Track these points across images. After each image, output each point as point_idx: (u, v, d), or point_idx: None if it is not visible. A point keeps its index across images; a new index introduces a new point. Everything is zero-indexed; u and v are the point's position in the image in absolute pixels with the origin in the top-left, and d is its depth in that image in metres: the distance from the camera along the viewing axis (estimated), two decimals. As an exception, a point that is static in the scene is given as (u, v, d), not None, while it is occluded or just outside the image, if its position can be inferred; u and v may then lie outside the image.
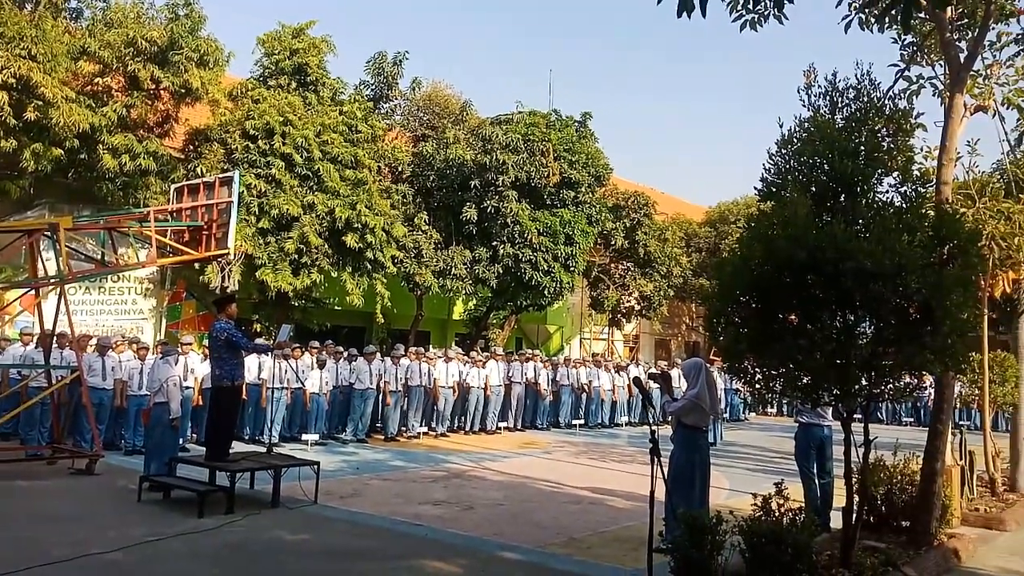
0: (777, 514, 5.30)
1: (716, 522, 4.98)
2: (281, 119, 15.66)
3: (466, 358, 16.72)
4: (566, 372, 18.79)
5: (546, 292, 18.95)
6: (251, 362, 12.85)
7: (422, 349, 16.18)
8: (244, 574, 6.12)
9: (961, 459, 9.58)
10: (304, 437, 13.23)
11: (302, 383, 13.54)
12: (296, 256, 15.26)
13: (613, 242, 23.11)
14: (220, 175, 12.87)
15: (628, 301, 24.91)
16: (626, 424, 19.92)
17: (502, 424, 17.03)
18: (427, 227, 18.18)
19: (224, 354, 8.75)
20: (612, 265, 24.71)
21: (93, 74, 14.39)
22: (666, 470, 6.45)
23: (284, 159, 15.46)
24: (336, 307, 18.62)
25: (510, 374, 17.37)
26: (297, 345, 14.29)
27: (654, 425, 5.06)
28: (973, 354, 9.65)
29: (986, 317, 9.93)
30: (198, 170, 14.85)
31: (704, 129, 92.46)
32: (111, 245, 12.05)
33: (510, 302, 20.00)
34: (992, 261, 9.48)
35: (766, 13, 8.63)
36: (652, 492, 4.99)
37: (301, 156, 15.60)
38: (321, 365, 14.07)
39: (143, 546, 6.51)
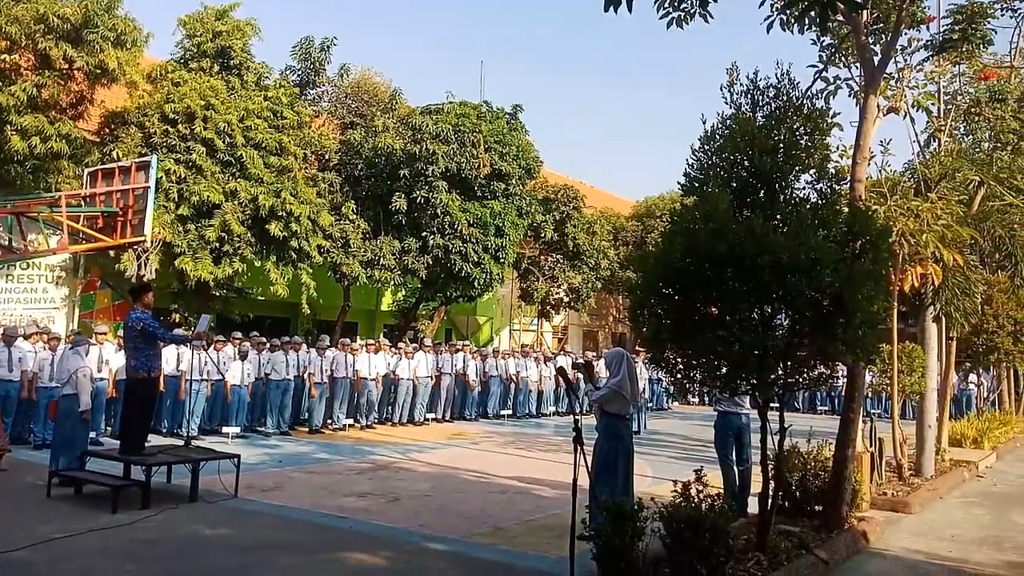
0: (696, 500, 5.43)
1: (637, 509, 5.07)
2: (203, 103, 15.18)
3: (394, 349, 16.58)
4: (495, 363, 18.83)
5: (476, 283, 18.96)
6: (170, 353, 12.46)
7: (348, 340, 15.96)
8: (160, 570, 5.93)
9: (871, 446, 10.02)
10: (225, 430, 12.90)
11: (222, 374, 13.19)
12: (217, 244, 14.85)
13: (543, 234, 23.28)
14: (137, 159, 12.43)
15: (557, 293, 25.14)
16: (553, 414, 20.13)
17: (430, 415, 16.96)
18: (355, 216, 17.93)
19: (140, 344, 8.45)
20: (542, 257, 24.88)
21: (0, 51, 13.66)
22: (590, 459, 6.55)
23: (205, 144, 15.01)
24: (259, 297, 18.22)
25: (439, 365, 17.30)
26: (220, 337, 13.92)
27: (577, 414, 5.10)
28: (883, 345, 10.09)
29: (895, 310, 10.40)
30: (114, 154, 14.29)
31: (633, 124, 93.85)
32: (19, 231, 11.46)
33: (440, 293, 19.92)
34: (902, 257, 9.92)
35: (692, 11, 8.81)
36: (575, 480, 5.05)
37: (223, 141, 15.17)
38: (243, 356, 13.74)
39: (53, 543, 6.24)
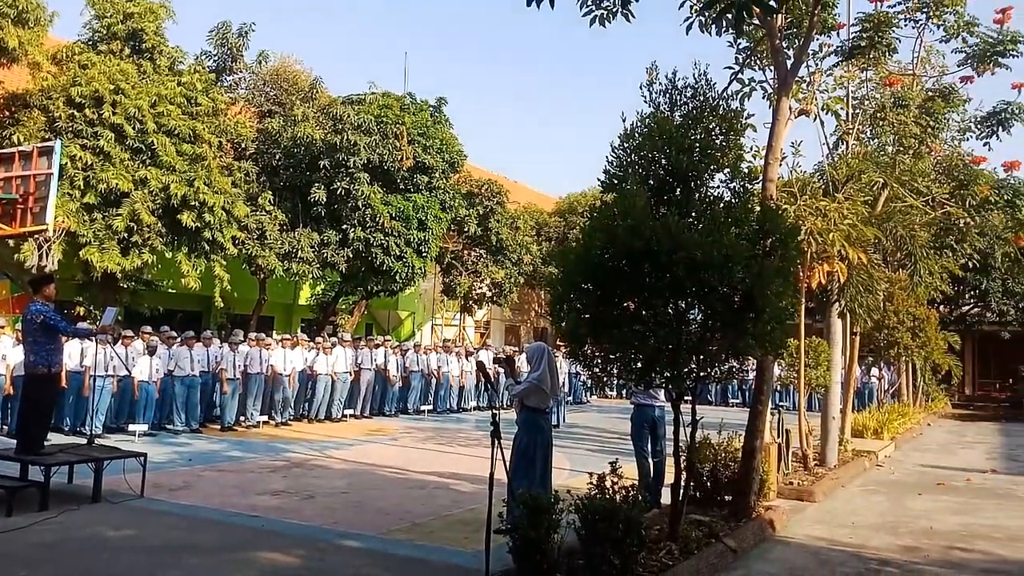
0: (611, 492, 5.51)
1: (553, 502, 5.10)
2: (112, 87, 14.54)
3: (312, 344, 16.25)
4: (416, 358, 18.69)
5: (398, 277, 18.77)
6: (73, 348, 11.93)
7: (263, 335, 15.55)
8: (59, 574, 5.65)
9: (779, 437, 10.37)
10: (131, 428, 12.40)
11: (129, 370, 12.67)
12: (126, 235, 14.26)
13: (466, 229, 23.21)
14: (39, 144, 11.82)
15: (480, 288, 25.14)
16: (474, 408, 20.14)
17: (348, 412, 16.72)
18: (272, 207, 17.49)
19: (40, 338, 8.02)
20: (465, 252, 24.83)
21: None
22: (509, 452, 6.57)
23: (114, 130, 14.38)
24: (170, 290, 17.61)
25: (359, 361, 17.06)
26: (127, 331, 13.36)
27: (496, 409, 5.11)
28: (791, 340, 10.47)
29: (803, 306, 10.79)
30: (14, 138, 13.56)
31: (558, 121, 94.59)
32: (-94, 217, 10.77)
33: (360, 287, 19.64)
34: (810, 255, 10.29)
35: (614, 10, 8.93)
36: (491, 474, 5.05)
37: (133, 128, 14.57)
38: (151, 352, 13.22)
39: (-63, 550, 5.87)
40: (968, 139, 14.06)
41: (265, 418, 14.95)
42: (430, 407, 18.70)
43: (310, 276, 18.51)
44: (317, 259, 17.91)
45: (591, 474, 5.77)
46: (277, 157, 18.26)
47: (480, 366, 6.34)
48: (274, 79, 19.83)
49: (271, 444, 12.67)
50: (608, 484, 5.63)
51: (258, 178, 17.89)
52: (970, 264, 17.82)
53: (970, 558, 6.94)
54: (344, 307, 22.72)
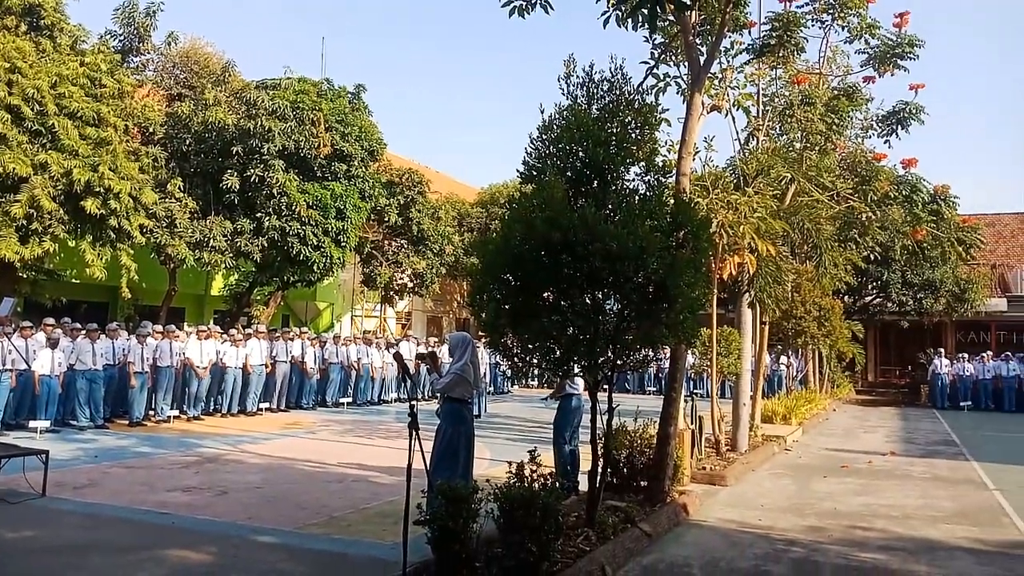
0: (530, 480, 5.56)
1: (472, 491, 5.12)
2: (7, 65, 13.75)
3: (224, 336, 15.80)
4: (335, 350, 18.40)
5: (315, 267, 18.44)
6: (-35, 341, 11.26)
7: (172, 327, 15.02)
8: (-53, 582, 5.35)
9: (692, 423, 10.68)
10: (32, 424, 11.80)
11: (28, 364, 12.04)
12: (25, 222, 13.51)
13: (387, 218, 22.98)
14: (-77, 124, 11.07)
15: (401, 278, 24.94)
16: (395, 400, 19.97)
17: (264, 405, 16.34)
18: (182, 194, 16.89)
19: (-75, 331, 7.56)
20: (385, 242, 24.58)
21: None
22: (432, 443, 6.55)
23: (11, 111, 13.60)
24: (74, 280, 16.81)
25: (274, 353, 16.69)
26: (27, 323, 12.70)
27: (414, 400, 5.08)
28: (703, 329, 10.78)
29: (715, 296, 11.13)
30: None
31: (481, 111, 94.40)
32: None
33: (276, 277, 19.20)
34: (721, 246, 10.61)
35: (533, 1, 8.97)
36: (409, 465, 5.03)
37: (32, 109, 13.81)
38: (53, 344, 12.60)
39: None
40: (870, 137, 14.69)
41: (176, 412, 14.47)
42: (349, 399, 18.45)
43: (223, 266, 17.97)
44: (230, 248, 17.40)
45: (510, 463, 5.81)
46: (187, 142, 17.63)
47: (397, 357, 6.27)
48: (184, 61, 19.13)
49: (182, 439, 12.27)
50: (527, 472, 5.68)
51: (167, 164, 17.24)
52: (872, 256, 18.67)
53: (870, 536, 7.31)
54: (259, 298, 22.16)
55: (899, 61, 12.65)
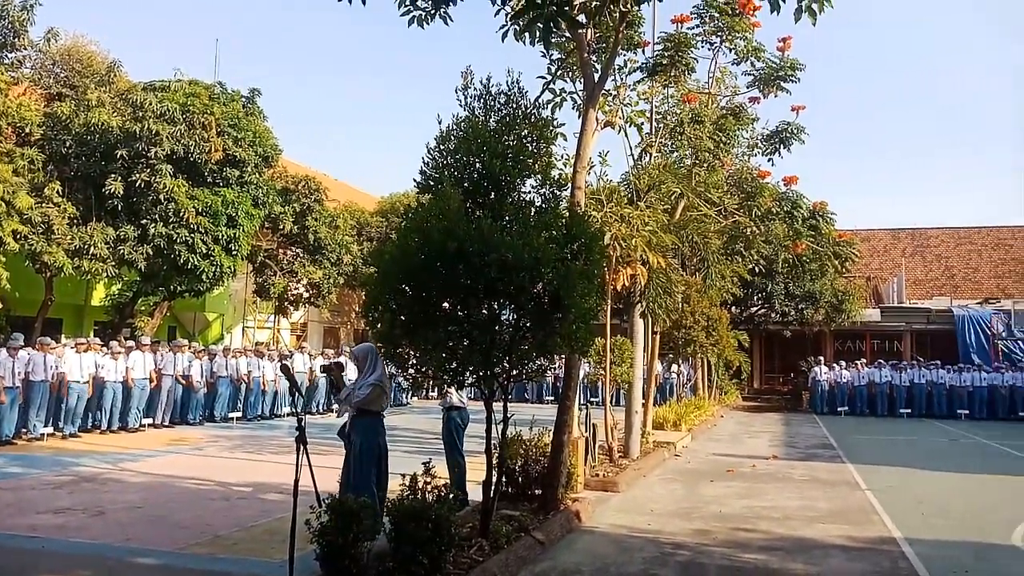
0: (423, 493, 5.52)
1: (362, 506, 5.03)
2: None
3: (105, 349, 14.97)
4: (224, 362, 17.73)
5: (204, 277, 17.72)
6: None
7: (48, 339, 14.12)
8: None
9: (586, 431, 10.87)
10: None
11: None
12: None
13: (281, 226, 22.37)
14: None
15: (296, 288, 24.33)
16: (288, 415, 19.40)
17: (147, 421, 15.57)
18: (60, 199, 15.91)
19: None
20: (280, 250, 23.94)
21: None
22: (345, 459, 6.36)
23: None
24: (-64, 288, 15.55)
25: (159, 366, 15.95)
26: None
27: (300, 414, 4.96)
28: (598, 339, 11.01)
29: (609, 307, 11.39)
30: None
31: (382, 119, 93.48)
32: None
33: (162, 287, 18.33)
34: (615, 258, 10.88)
35: (432, 12, 8.97)
36: (296, 481, 4.90)
37: None
38: (-91, 358, 11.63)
39: None
40: (755, 155, 15.45)
41: (50, 430, 13.59)
42: (239, 414, 17.82)
43: (104, 275, 17.03)
44: (113, 256, 16.51)
45: (403, 475, 5.75)
46: (67, 144, 16.65)
47: (285, 370, 6.08)
48: (65, 60, 18.12)
49: (57, 458, 11.54)
50: (420, 485, 5.64)
51: (45, 167, 16.24)
52: (757, 269, 19.61)
53: (752, 538, 7.62)
54: (144, 309, 21.13)
55: (782, 83, 13.37)
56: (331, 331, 32.40)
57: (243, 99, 19.63)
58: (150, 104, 16.74)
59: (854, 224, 37.86)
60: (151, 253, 16.87)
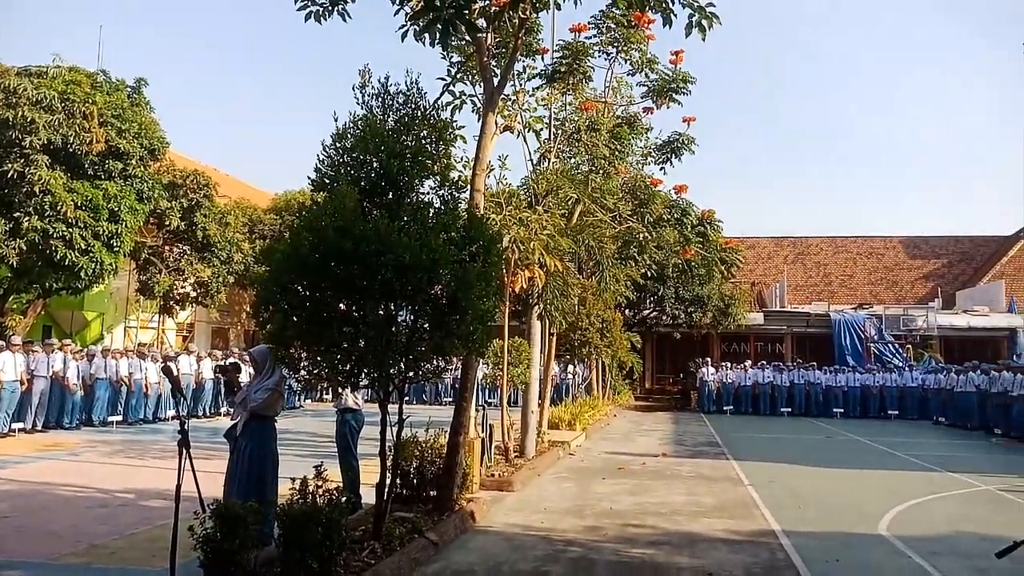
0: (314, 496, 5.43)
1: (249, 511, 4.91)
2: None
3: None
4: (103, 363, 16.84)
5: (83, 274, 16.82)
6: None
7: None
8: None
9: (483, 432, 10.93)
10: None
11: None
12: None
13: (168, 222, 21.48)
14: None
15: (183, 287, 23.38)
16: (172, 418, 18.61)
17: (18, 425, 14.61)
18: (-81, 188, 14.77)
19: None
20: (166, 247, 22.97)
21: None
22: (235, 464, 6.14)
23: None
24: None
25: (31, 367, 14.99)
26: None
27: (183, 417, 4.79)
28: (495, 340, 11.10)
29: (507, 309, 11.50)
30: None
31: (277, 114, 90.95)
32: None
33: (36, 284, 17.25)
34: (513, 261, 10.99)
35: (329, 8, 8.85)
36: (179, 486, 4.73)
37: None
38: None
39: None
40: (648, 163, 15.93)
41: (-96, 437, 12.57)
42: (119, 418, 16.97)
43: (-30, 270, 15.92)
44: (-20, 251, 15.45)
45: (293, 479, 5.64)
46: (-73, 130, 15.48)
47: (167, 371, 5.83)
48: (-75, 37, 16.80)
49: (-89, 468, 10.68)
50: (311, 488, 5.54)
51: (-100, 153, 15.04)
52: (649, 273, 20.22)
53: (641, 533, 7.87)
54: (16, 307, 19.81)
55: (674, 95, 13.84)
56: (220, 332, 31.29)
57: (128, 89, 18.76)
58: (25, 91, 15.77)
59: (740, 232, 39.68)
60: (24, 248, 15.89)
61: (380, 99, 7.09)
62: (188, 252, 22.84)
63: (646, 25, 12.86)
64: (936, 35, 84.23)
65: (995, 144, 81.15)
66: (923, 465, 13.45)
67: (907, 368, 26.71)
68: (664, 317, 28.88)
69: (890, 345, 29.47)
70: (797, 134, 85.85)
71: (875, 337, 29.69)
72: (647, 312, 29.58)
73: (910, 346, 29.49)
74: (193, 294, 23.69)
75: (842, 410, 25.04)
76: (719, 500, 9.79)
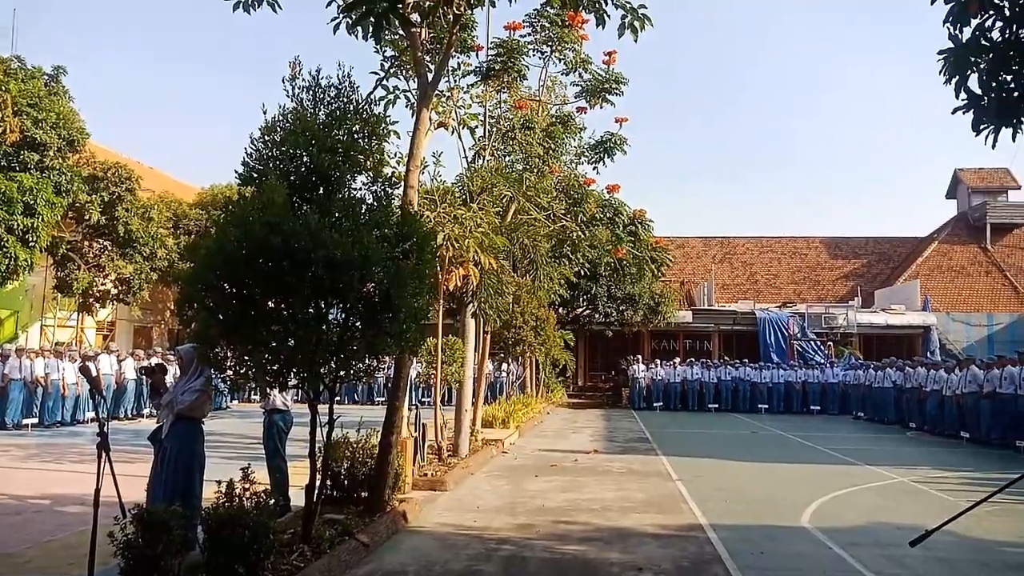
0: (240, 499, 5.29)
1: (173, 515, 4.74)
2: None
3: None
4: (17, 363, 16.09)
5: (-6, 269, 16.01)
6: None
7: None
8: None
9: (416, 431, 10.85)
10: None
11: None
12: None
13: (87, 217, 20.64)
14: None
15: (103, 284, 22.50)
16: (91, 420, 17.90)
17: (-78, 429, 13.86)
18: None
19: None
20: (85, 243, 22.06)
21: None
22: (164, 467, 5.93)
23: None
24: None
25: (-63, 367, 14.23)
26: None
27: (101, 419, 4.60)
28: (429, 339, 11.03)
29: (442, 307, 11.44)
30: None
31: (204, 106, 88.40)
32: None
33: (-58, 280, 16.39)
34: (448, 259, 10.94)
35: (259, -1, 8.66)
36: (97, 491, 4.55)
37: None
38: None
39: None
40: (582, 163, 16.09)
41: None
42: (35, 420, 16.23)
43: None
44: None
45: (219, 482, 5.48)
46: None
47: (84, 370, 5.60)
48: None
49: None
50: (238, 491, 5.40)
51: None
52: (582, 272, 20.45)
53: (573, 529, 7.93)
54: (-80, 304, 18.80)
55: (607, 96, 13.99)
56: (142, 331, 30.25)
57: (45, 77, 17.95)
58: (-71, 75, 14.93)
59: (670, 231, 40.46)
60: (-72, 242, 15.03)
61: (311, 92, 6.94)
62: (109, 248, 22.00)
63: (580, 25, 12.97)
64: (863, 41, 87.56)
65: (913, 148, 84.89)
66: (843, 459, 13.94)
67: (828, 365, 27.64)
68: (597, 315, 29.21)
69: (812, 342, 30.46)
70: (725, 137, 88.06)
71: (798, 335, 30.65)
72: (580, 310, 29.87)
73: (831, 343, 30.55)
74: (114, 291, 22.83)
75: (767, 406, 25.76)
76: (649, 495, 9.94)
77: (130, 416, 19.10)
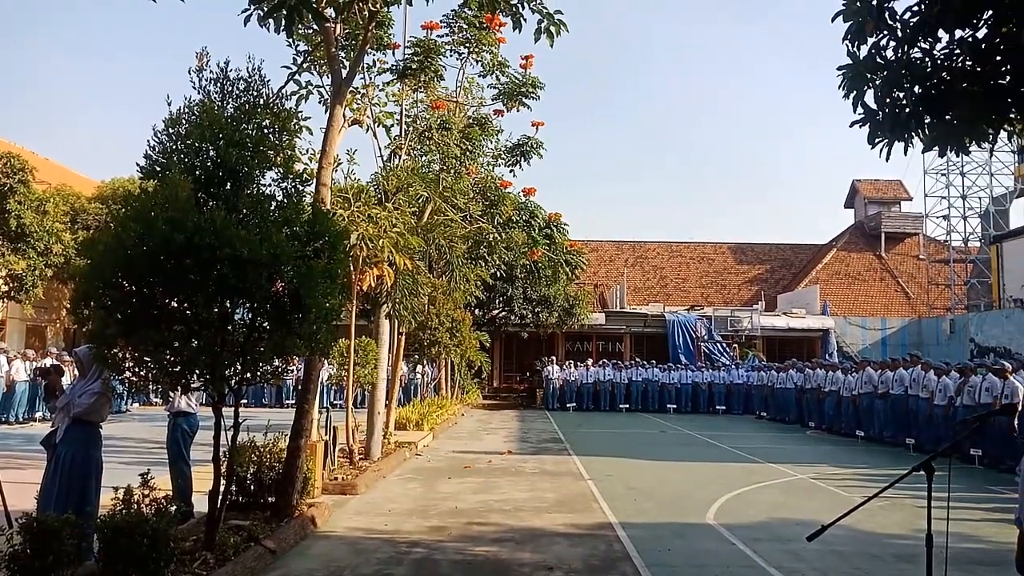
0: (139, 506, 5.06)
1: (66, 524, 4.50)
2: None
3: None
4: None
5: None
6: None
7: None
8: None
9: (327, 434, 10.65)
10: None
11: None
12: None
13: (-27, 209, 19.39)
14: None
15: (-8, 280, 21.21)
16: (-21, 425, 16.87)
17: None
18: None
19: None
20: (-29, 237, 20.73)
21: None
22: (54, 472, 5.62)
23: None
24: None
25: None
26: None
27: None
28: (341, 340, 10.84)
29: (355, 308, 11.26)
30: None
31: (106, 96, 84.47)
32: None
33: None
34: (362, 259, 10.78)
35: (165, -13, 8.32)
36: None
37: None
38: None
39: None
40: (499, 165, 16.12)
41: None
42: (-88, 425, 15.15)
43: None
44: None
45: (116, 488, 5.23)
46: None
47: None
48: None
49: None
50: (137, 498, 5.16)
51: None
52: (498, 273, 20.49)
53: (485, 530, 7.93)
54: None
55: (524, 99, 14.06)
56: (36, 330, 28.64)
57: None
58: None
59: (584, 235, 41.05)
60: None
61: (219, 85, 6.73)
62: (1, 243, 20.73)
63: (497, 28, 13.00)
64: (766, 58, 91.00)
65: (816, 159, 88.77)
66: (746, 457, 14.44)
67: (734, 366, 28.60)
68: (512, 317, 29.35)
69: (719, 344, 31.47)
70: (637, 143, 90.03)
71: (705, 337, 31.61)
72: (496, 312, 29.95)
73: (736, 345, 31.63)
74: (5, 288, 21.55)
75: (675, 406, 26.42)
76: (561, 495, 10.05)
77: (21, 420, 18.06)
